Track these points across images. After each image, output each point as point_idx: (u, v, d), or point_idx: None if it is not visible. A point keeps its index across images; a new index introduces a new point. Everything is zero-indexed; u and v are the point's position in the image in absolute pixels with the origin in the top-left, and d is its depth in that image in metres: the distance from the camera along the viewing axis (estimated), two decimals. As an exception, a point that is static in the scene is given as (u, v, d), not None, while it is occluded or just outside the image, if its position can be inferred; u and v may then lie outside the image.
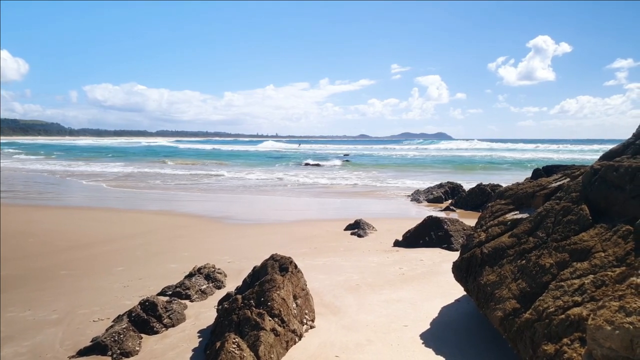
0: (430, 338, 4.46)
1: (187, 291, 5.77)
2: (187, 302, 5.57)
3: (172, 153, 60.55)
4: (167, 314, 4.92)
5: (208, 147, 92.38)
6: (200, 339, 4.57)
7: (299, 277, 5.06)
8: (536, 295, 3.36)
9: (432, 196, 15.92)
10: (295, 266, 5.13)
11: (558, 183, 4.51)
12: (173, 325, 4.88)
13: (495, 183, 14.96)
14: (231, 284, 6.18)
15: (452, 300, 5.49)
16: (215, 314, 4.80)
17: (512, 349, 3.46)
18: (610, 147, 4.20)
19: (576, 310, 2.91)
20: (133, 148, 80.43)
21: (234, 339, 3.83)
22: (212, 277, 6.28)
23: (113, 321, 4.89)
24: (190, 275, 6.19)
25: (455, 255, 5.52)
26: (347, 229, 10.30)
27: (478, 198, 14.00)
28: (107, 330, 4.58)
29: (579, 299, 2.98)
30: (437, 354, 4.14)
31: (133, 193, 17.96)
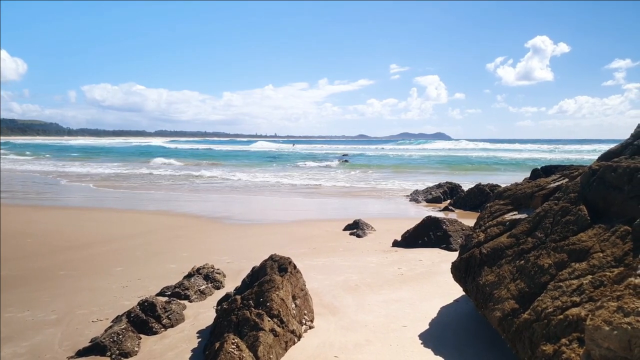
0: (429, 338, 4.46)
1: (186, 291, 5.77)
2: (186, 302, 5.56)
3: (165, 153, 60.03)
4: (166, 314, 4.92)
5: (202, 146, 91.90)
6: (199, 339, 4.57)
7: (298, 277, 5.06)
8: (535, 295, 3.36)
9: (430, 196, 15.93)
10: (294, 266, 5.13)
11: (556, 183, 4.52)
12: (172, 326, 4.88)
13: (494, 183, 14.97)
14: (230, 285, 6.18)
15: (451, 301, 5.50)
16: (214, 315, 4.80)
17: (510, 349, 3.47)
18: (608, 147, 4.22)
19: (574, 310, 2.92)
20: (124, 148, 79.93)
21: (233, 339, 3.83)
22: (211, 277, 6.28)
23: (112, 322, 4.89)
24: (189, 276, 6.19)
25: (454, 256, 5.52)
26: (346, 229, 10.30)
27: (477, 198, 14.02)
28: (106, 330, 4.58)
29: (577, 299, 2.98)
30: (436, 354, 4.15)
31: (131, 193, 17.95)
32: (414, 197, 16.31)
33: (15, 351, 4.33)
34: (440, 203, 15.32)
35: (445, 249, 8.35)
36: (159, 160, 42.76)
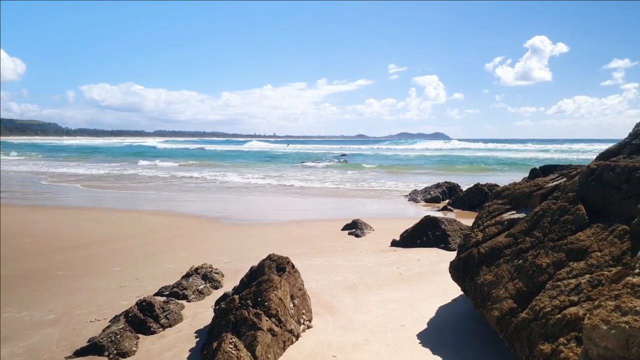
0: (427, 338, 4.46)
1: (184, 291, 5.76)
2: (184, 302, 5.55)
3: (158, 153, 59.49)
4: (164, 314, 4.91)
5: (194, 146, 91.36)
6: (198, 339, 4.57)
7: (296, 277, 5.06)
8: (533, 294, 3.37)
9: (429, 196, 15.94)
10: (293, 266, 5.13)
11: (555, 183, 4.52)
12: (170, 326, 4.87)
13: (493, 183, 14.98)
14: (228, 284, 6.17)
15: (449, 300, 5.50)
16: (212, 314, 4.80)
17: (508, 348, 3.47)
18: (606, 146, 4.22)
19: (572, 309, 2.92)
20: (117, 148, 79.47)
21: (231, 339, 3.83)
22: (209, 277, 6.28)
23: (110, 321, 4.88)
24: (187, 276, 6.18)
25: (452, 255, 5.53)
26: (344, 229, 10.30)
27: (475, 198, 14.03)
28: (103, 330, 4.57)
29: (575, 298, 2.99)
30: (434, 353, 4.15)
31: (130, 194, 17.92)
32: (413, 196, 16.32)
33: (13, 351, 4.32)
34: (439, 203, 15.34)
35: (443, 249, 8.36)
36: (144, 162, 40.95)
